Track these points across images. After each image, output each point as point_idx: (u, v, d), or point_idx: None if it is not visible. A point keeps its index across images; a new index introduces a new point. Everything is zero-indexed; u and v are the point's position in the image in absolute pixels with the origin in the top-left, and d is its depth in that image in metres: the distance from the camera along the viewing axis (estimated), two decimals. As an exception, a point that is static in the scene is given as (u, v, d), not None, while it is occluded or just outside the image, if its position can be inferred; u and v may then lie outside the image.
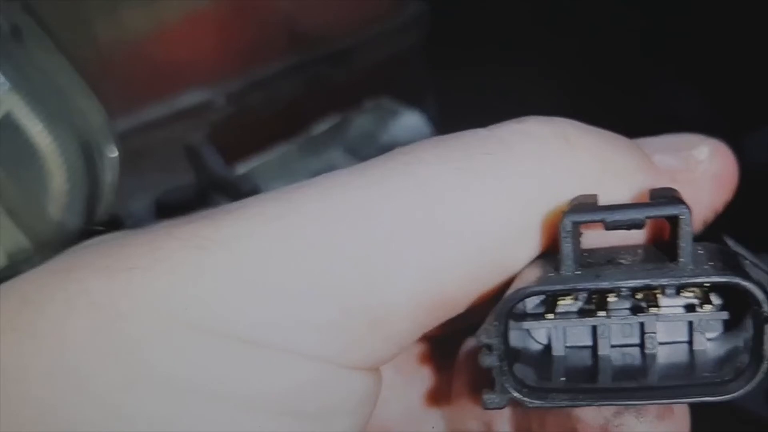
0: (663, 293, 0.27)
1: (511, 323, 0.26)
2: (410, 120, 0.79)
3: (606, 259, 0.26)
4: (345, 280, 0.25)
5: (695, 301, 0.27)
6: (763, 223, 0.50)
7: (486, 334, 0.25)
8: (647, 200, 0.26)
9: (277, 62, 0.78)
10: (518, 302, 0.25)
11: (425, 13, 0.86)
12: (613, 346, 0.27)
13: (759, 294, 0.24)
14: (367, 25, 0.83)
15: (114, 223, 0.43)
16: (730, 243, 0.28)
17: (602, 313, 0.27)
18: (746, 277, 0.24)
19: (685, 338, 0.27)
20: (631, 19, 0.73)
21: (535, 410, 0.30)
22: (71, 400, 0.24)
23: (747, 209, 0.35)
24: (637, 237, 0.28)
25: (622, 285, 0.25)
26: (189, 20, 0.73)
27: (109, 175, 0.43)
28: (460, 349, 0.34)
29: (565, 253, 0.25)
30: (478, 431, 0.33)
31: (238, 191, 0.69)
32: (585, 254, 0.26)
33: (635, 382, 0.26)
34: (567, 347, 0.28)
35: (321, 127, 0.78)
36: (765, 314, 0.24)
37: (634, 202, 0.27)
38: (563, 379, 0.26)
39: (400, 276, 0.25)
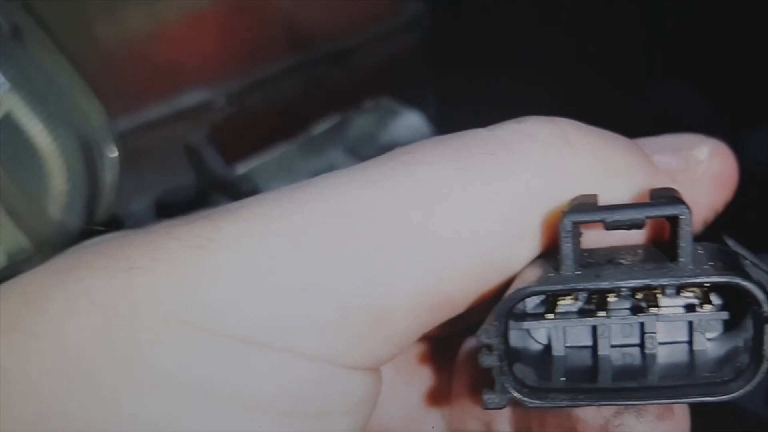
0: (663, 293, 0.27)
1: (511, 323, 0.26)
2: (410, 120, 0.79)
3: (606, 259, 0.26)
4: (345, 280, 0.25)
5: (695, 301, 0.27)
6: (763, 223, 0.50)
7: (486, 334, 0.25)
8: (647, 200, 0.26)
9: (277, 62, 0.78)
10: (518, 302, 0.25)
11: (425, 13, 0.86)
12: (613, 346, 0.27)
13: (759, 294, 0.24)
14: (367, 25, 0.83)
15: (114, 223, 0.43)
16: (730, 243, 0.28)
17: (602, 313, 0.27)
18: (746, 277, 0.24)
19: (685, 338, 0.27)
20: (631, 19, 0.73)
21: (535, 410, 0.30)
22: (71, 400, 0.24)
23: (747, 209, 0.35)
24: (637, 237, 0.28)
25: (622, 285, 0.25)
26: (189, 20, 0.73)
27: (109, 175, 0.43)
28: (460, 349, 0.34)
29: (565, 253, 0.25)
30: (478, 431, 0.33)
31: (238, 191, 0.69)
32: (585, 254, 0.26)
33: (635, 382, 0.26)
34: (567, 347, 0.28)
35: (321, 127, 0.78)
36: (765, 314, 0.24)
37: (634, 202, 0.27)
38: (563, 379, 0.26)
39: (400, 276, 0.25)
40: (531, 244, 0.27)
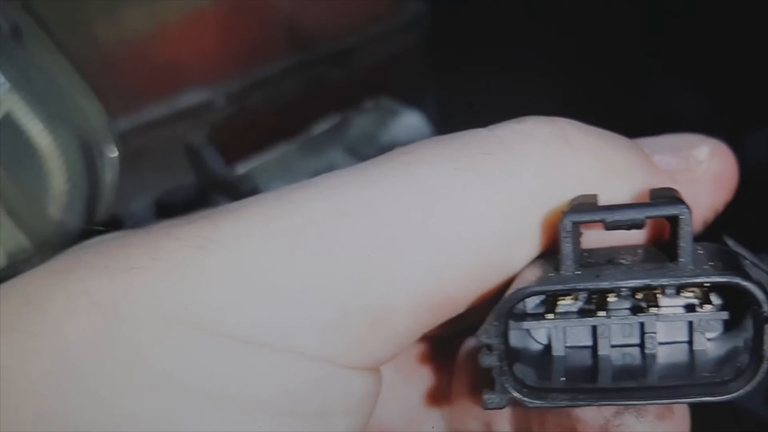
0: (663, 293, 0.27)
1: (511, 323, 0.26)
2: (410, 120, 0.79)
3: (606, 259, 0.26)
4: (345, 280, 0.25)
5: (695, 301, 0.27)
6: (763, 223, 0.50)
7: (486, 334, 0.25)
8: (647, 200, 0.26)
9: (277, 62, 0.78)
10: (518, 302, 0.25)
11: (425, 13, 0.86)
12: (613, 346, 0.27)
13: (759, 294, 0.24)
14: (367, 25, 0.83)
15: (114, 223, 0.43)
16: (730, 243, 0.28)
17: (602, 313, 0.27)
18: (746, 277, 0.24)
19: (685, 338, 0.27)
20: (631, 19, 0.73)
21: (535, 410, 0.30)
22: (71, 400, 0.24)
23: (747, 209, 0.35)
24: (637, 237, 0.28)
25: (622, 285, 0.25)
26: (189, 20, 0.73)
27: (109, 175, 0.43)
28: (460, 349, 0.34)
29: (565, 253, 0.25)
30: (478, 431, 0.33)
31: (238, 191, 0.69)
32: (585, 254, 0.26)
33: (635, 382, 0.26)
34: (567, 347, 0.28)
35: (321, 127, 0.78)
36: (765, 314, 0.24)
37: (634, 202, 0.27)
38: (563, 379, 0.26)
39: (400, 276, 0.25)
40: (531, 244, 0.27)
